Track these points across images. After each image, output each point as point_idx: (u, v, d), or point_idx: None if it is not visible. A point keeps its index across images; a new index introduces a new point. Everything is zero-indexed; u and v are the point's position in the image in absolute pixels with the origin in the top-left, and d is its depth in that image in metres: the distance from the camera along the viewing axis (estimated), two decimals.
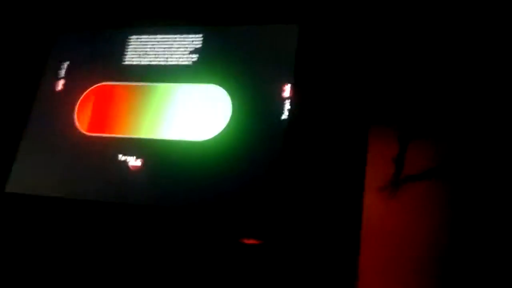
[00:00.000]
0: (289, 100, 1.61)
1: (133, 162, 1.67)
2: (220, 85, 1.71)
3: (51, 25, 1.99)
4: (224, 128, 1.64)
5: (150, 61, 1.84)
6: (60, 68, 1.93)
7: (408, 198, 1.47)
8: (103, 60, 1.90)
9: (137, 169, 1.67)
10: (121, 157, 1.69)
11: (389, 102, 1.55)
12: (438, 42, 1.54)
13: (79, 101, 1.85)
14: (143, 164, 1.67)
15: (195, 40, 1.82)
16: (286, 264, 1.44)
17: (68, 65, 1.93)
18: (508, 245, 1.31)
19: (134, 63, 1.86)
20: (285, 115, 1.59)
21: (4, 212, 1.74)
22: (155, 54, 1.84)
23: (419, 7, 1.56)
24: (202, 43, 1.81)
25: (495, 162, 1.41)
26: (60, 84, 1.91)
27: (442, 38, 1.53)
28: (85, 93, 1.85)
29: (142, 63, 1.85)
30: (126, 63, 1.87)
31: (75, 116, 1.82)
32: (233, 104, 1.67)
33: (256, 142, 1.58)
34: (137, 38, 1.89)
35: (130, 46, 1.88)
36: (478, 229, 1.35)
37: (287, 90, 1.62)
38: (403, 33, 1.57)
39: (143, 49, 1.86)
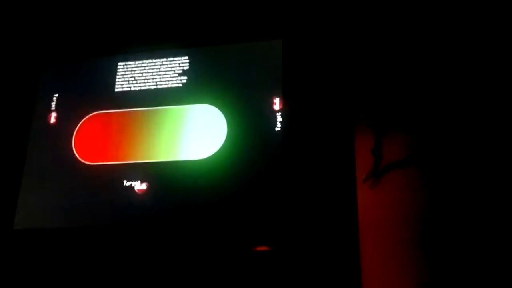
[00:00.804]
0: (280, 113, 1.72)
1: (139, 186, 1.75)
2: (213, 104, 1.81)
3: (36, 58, 2.01)
4: (223, 145, 1.74)
5: (140, 86, 1.91)
6: (50, 101, 1.97)
7: (391, 185, 1.61)
8: (93, 89, 1.96)
9: (143, 192, 1.75)
10: (126, 183, 1.77)
11: (369, 100, 1.67)
12: (412, 41, 1.67)
13: (75, 132, 1.90)
14: (148, 187, 1.75)
15: (182, 62, 1.90)
16: (294, 264, 1.57)
17: (58, 97, 1.97)
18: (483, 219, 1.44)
19: (125, 89, 1.92)
20: (278, 127, 1.71)
21: (14, 248, 1.78)
22: (144, 79, 1.92)
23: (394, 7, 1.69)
24: (189, 65, 1.89)
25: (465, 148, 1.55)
26: (52, 117, 1.95)
27: (416, 35, 1.66)
28: (80, 123, 1.90)
29: (133, 89, 1.92)
30: (117, 90, 1.93)
31: (73, 147, 1.87)
32: (227, 121, 1.77)
33: (255, 154, 1.70)
34: (124, 65, 1.96)
35: (118, 73, 1.95)
36: (455, 206, 1.47)
37: (277, 103, 1.74)
38: (380, 34, 1.69)
39: (131, 75, 1.93)
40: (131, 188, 1.76)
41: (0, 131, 1.96)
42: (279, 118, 1.72)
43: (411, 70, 1.65)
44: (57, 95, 1.99)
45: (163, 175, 1.75)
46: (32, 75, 2.02)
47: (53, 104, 1.98)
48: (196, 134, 1.79)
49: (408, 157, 1.59)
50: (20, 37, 2.05)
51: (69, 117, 1.93)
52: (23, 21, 2.03)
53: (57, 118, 1.95)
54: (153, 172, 1.76)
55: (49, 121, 1.95)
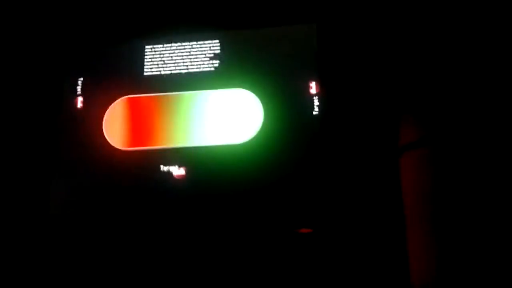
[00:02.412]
0: (317, 96, 1.74)
1: (177, 171, 1.76)
2: (247, 88, 1.81)
3: (64, 42, 1.96)
4: (260, 129, 1.75)
5: (171, 70, 1.89)
6: (77, 85, 1.93)
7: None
8: (121, 73, 1.92)
9: (182, 178, 1.75)
10: (163, 168, 1.77)
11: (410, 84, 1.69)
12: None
13: (104, 117, 1.87)
14: (187, 172, 1.75)
15: (213, 45, 1.89)
16: (337, 245, 1.62)
17: (84, 81, 1.93)
18: None
19: (154, 73, 1.90)
20: (315, 111, 1.73)
21: (51, 233, 1.77)
22: (175, 63, 1.90)
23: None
24: (220, 48, 1.88)
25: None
26: (79, 101, 1.91)
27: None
28: (109, 108, 1.87)
29: (163, 72, 1.89)
30: (146, 74, 1.90)
31: (104, 132, 1.85)
32: (263, 105, 1.78)
33: (293, 138, 1.72)
34: (153, 48, 1.93)
35: (147, 57, 1.92)
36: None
37: (313, 87, 1.76)
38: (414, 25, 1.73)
39: (160, 59, 1.91)
40: (168, 173, 1.76)
41: (28, 118, 1.90)
42: (316, 102, 1.74)
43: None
44: (82, 79, 1.93)
45: (201, 160, 1.76)
46: (57, 59, 1.96)
47: (79, 89, 1.93)
48: (231, 118, 1.79)
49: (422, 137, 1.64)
50: (44, 22, 1.98)
51: (97, 102, 1.90)
52: (46, 5, 1.95)
53: (83, 102, 1.91)
54: (190, 156, 1.77)
55: (77, 106, 1.90)
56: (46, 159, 1.84)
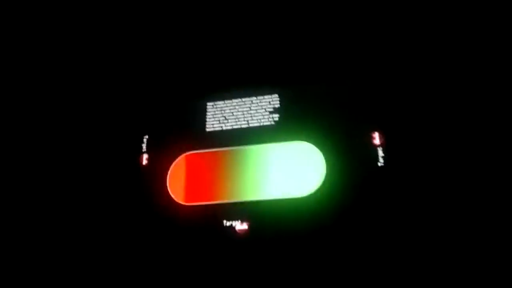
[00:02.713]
0: (381, 147, 1.71)
1: (239, 226, 1.75)
2: (308, 140, 1.81)
3: (130, 101, 2.07)
4: (323, 182, 1.73)
5: (232, 126, 1.93)
6: (141, 142, 2.00)
7: None
8: (184, 130, 1.98)
9: (244, 233, 1.74)
10: (226, 223, 1.76)
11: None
12: None
13: (169, 173, 1.92)
14: (249, 226, 1.74)
15: (272, 100, 1.92)
16: None
17: (149, 139, 2.01)
18: None
19: (216, 129, 1.95)
20: (380, 162, 1.69)
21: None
22: (235, 118, 1.94)
23: None
24: (280, 103, 1.91)
25: None
26: (144, 158, 1.98)
27: None
28: (173, 163, 1.92)
29: (224, 128, 1.94)
30: (208, 130, 1.95)
31: (168, 188, 1.89)
32: (325, 157, 1.76)
33: (357, 191, 1.68)
34: (214, 105, 1.99)
35: (208, 113, 1.98)
36: None
37: (377, 138, 1.73)
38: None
39: (222, 115, 1.96)
40: (231, 228, 1.75)
41: (95, 174, 1.99)
42: (381, 153, 1.71)
43: None
44: (147, 136, 2.01)
45: (264, 214, 1.75)
46: (123, 118, 2.07)
47: (144, 146, 2.00)
48: (294, 171, 1.78)
49: None
50: (110, 82, 2.11)
51: (161, 158, 1.96)
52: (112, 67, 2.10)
53: (148, 159, 1.98)
54: (253, 211, 1.76)
55: (142, 163, 1.97)
56: (112, 215, 1.88)
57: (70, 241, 1.87)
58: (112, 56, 2.08)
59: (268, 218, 1.73)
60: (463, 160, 1.63)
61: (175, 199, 1.86)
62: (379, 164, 1.69)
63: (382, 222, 1.62)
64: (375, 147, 1.72)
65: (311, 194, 1.72)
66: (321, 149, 1.78)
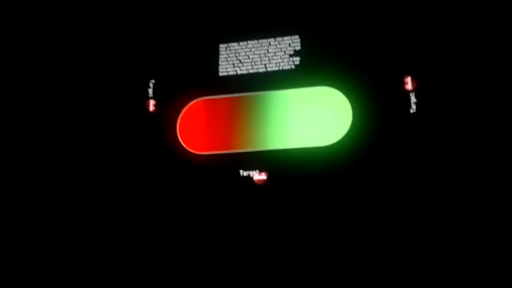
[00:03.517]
0: (413, 93, 1.57)
1: (257, 176, 1.62)
2: (332, 85, 1.66)
3: (134, 42, 1.88)
4: (349, 130, 1.60)
5: (248, 70, 1.77)
6: (148, 87, 1.84)
7: None
8: (194, 74, 1.82)
9: (263, 183, 1.61)
10: (243, 173, 1.64)
11: None
12: None
13: (179, 120, 1.77)
14: (269, 176, 1.61)
15: (293, 42, 1.76)
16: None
17: (155, 83, 1.84)
18: None
19: (230, 73, 1.78)
20: (413, 109, 1.55)
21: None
22: (252, 62, 1.78)
23: None
24: (301, 44, 1.75)
25: None
26: (151, 105, 1.82)
27: None
28: (183, 110, 1.77)
29: (239, 72, 1.78)
30: (221, 74, 1.79)
31: (179, 136, 1.75)
32: (351, 103, 1.62)
33: (387, 139, 1.55)
34: (227, 47, 1.82)
35: (221, 56, 1.81)
36: None
37: (409, 82, 1.58)
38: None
39: (236, 58, 1.79)
40: (249, 178, 1.63)
41: (98, 122, 1.83)
42: (413, 99, 1.57)
43: None
44: (153, 81, 1.85)
45: (283, 164, 1.62)
46: (126, 60, 1.89)
47: (150, 91, 1.84)
48: (317, 118, 1.64)
49: None
50: (110, 22, 1.92)
51: (170, 105, 1.80)
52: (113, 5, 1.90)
53: (156, 105, 1.82)
54: (272, 160, 1.63)
55: (149, 109, 1.81)
56: (117, 167, 1.73)
57: (81, 193, 1.73)
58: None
59: (289, 168, 1.60)
60: (498, 109, 1.50)
61: (187, 148, 1.72)
62: (411, 111, 1.55)
63: (411, 175, 1.50)
64: (406, 92, 1.57)
65: (335, 143, 1.59)
66: (347, 95, 1.64)
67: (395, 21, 1.66)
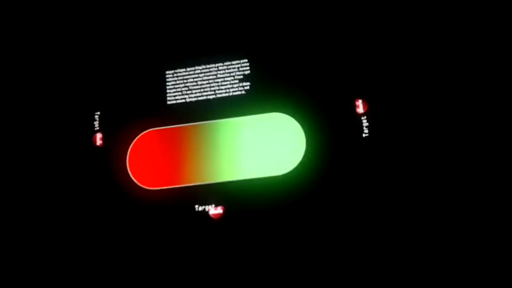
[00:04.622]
0: (365, 116, 1.56)
1: (213, 210, 1.57)
2: (284, 111, 1.63)
3: (76, 72, 1.77)
4: (303, 157, 1.57)
5: (197, 97, 1.71)
6: (93, 119, 1.75)
7: None
8: (141, 104, 1.74)
9: (220, 217, 1.57)
10: (198, 207, 1.58)
11: None
12: None
13: (128, 153, 1.69)
14: (224, 210, 1.57)
15: (242, 66, 1.71)
16: None
17: (101, 115, 1.75)
18: None
19: (179, 101, 1.72)
20: (365, 132, 1.54)
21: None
22: (200, 89, 1.72)
23: None
24: (250, 69, 1.70)
25: None
26: (97, 138, 1.73)
27: None
28: (132, 143, 1.69)
29: (188, 100, 1.71)
30: (170, 102, 1.72)
31: (129, 171, 1.67)
32: (304, 129, 1.60)
33: (342, 164, 1.53)
34: (174, 74, 1.75)
35: (169, 84, 1.74)
36: None
37: (360, 106, 1.57)
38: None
39: (184, 85, 1.73)
40: (204, 213, 1.58)
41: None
42: (365, 123, 1.55)
43: None
44: (99, 113, 1.75)
45: (239, 195, 1.58)
46: (70, 92, 1.78)
47: (97, 124, 1.75)
48: (270, 146, 1.60)
49: None
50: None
51: (118, 138, 1.71)
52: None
53: (103, 139, 1.73)
54: (227, 193, 1.58)
55: (95, 143, 1.72)
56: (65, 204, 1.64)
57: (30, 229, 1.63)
58: (56, 19, 1.75)
59: (245, 200, 1.56)
60: (448, 125, 1.51)
61: (138, 183, 1.64)
62: (364, 135, 1.54)
63: (367, 198, 1.49)
64: (358, 115, 1.56)
65: (290, 171, 1.56)
66: (299, 120, 1.60)
67: (345, 45, 1.63)
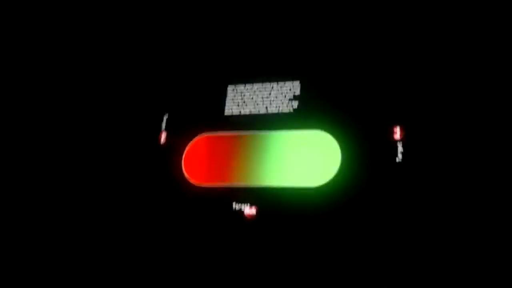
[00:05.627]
0: (401, 142, 1.63)
1: (248, 210, 1.73)
2: (325, 130, 1.76)
3: (153, 79, 2.09)
4: (336, 173, 1.68)
5: (250, 110, 1.91)
6: (161, 121, 2.02)
7: None
8: (202, 111, 1.98)
9: (252, 217, 1.72)
10: (235, 206, 1.75)
11: None
12: None
13: (185, 152, 1.92)
14: (258, 211, 1.72)
15: (293, 87, 1.88)
16: None
17: (169, 117, 2.02)
18: None
19: (234, 113, 1.93)
20: (399, 158, 1.62)
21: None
22: (254, 103, 1.91)
23: None
24: (301, 90, 1.87)
25: None
26: (162, 137, 1.99)
27: None
28: (190, 143, 1.93)
29: (242, 112, 1.92)
30: (227, 113, 1.94)
31: (183, 167, 1.90)
32: (341, 148, 1.71)
33: (372, 185, 1.61)
34: (235, 88, 1.97)
35: (228, 97, 1.96)
36: None
37: (397, 132, 1.65)
38: None
39: (241, 99, 1.94)
40: (240, 211, 1.74)
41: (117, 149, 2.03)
42: (400, 149, 1.63)
43: None
44: (167, 115, 2.03)
45: (273, 200, 1.72)
46: (145, 95, 2.09)
47: (164, 124, 2.02)
48: (308, 160, 1.74)
49: None
50: (136, 61, 2.14)
51: (178, 138, 1.96)
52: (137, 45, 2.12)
53: (167, 138, 1.99)
54: (262, 196, 1.73)
55: (160, 141, 1.98)
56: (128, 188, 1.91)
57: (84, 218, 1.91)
58: (137, 37, 2.10)
59: (277, 205, 1.70)
60: (487, 164, 1.53)
61: (189, 179, 1.86)
62: (397, 160, 1.62)
63: (392, 220, 1.55)
64: (394, 141, 1.64)
65: (322, 185, 1.67)
66: (338, 140, 1.73)
67: (390, 71, 1.75)
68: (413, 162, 1.60)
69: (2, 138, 2.04)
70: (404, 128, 1.65)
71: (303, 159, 1.75)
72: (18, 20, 2.10)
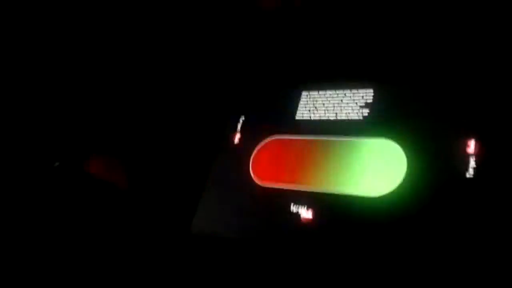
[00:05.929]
0: (474, 157, 1.49)
1: (305, 214, 1.72)
2: (393, 140, 1.68)
3: (231, 83, 2.22)
4: (400, 184, 1.59)
5: (320, 116, 1.91)
6: (237, 122, 2.13)
7: None
8: (276, 114, 2.04)
9: (308, 221, 1.70)
10: (293, 208, 1.76)
11: None
12: None
13: (254, 153, 1.99)
14: (314, 216, 1.70)
15: (366, 95, 1.84)
16: None
17: (244, 120, 2.11)
18: None
19: (305, 118, 1.95)
20: (470, 173, 1.48)
21: (189, 251, 1.93)
22: (325, 110, 1.91)
23: None
24: (373, 98, 1.82)
25: None
26: (236, 138, 2.09)
27: None
28: (259, 145, 1.99)
29: (313, 118, 1.93)
30: (297, 118, 1.97)
31: (250, 166, 1.97)
32: (408, 159, 1.62)
33: (439, 198, 1.49)
34: (308, 94, 1.99)
35: (301, 102, 1.99)
36: None
37: (472, 146, 1.51)
38: None
39: (313, 105, 1.95)
40: (297, 214, 1.74)
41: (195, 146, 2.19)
42: (472, 163, 1.49)
43: None
44: (243, 117, 2.13)
45: (331, 207, 1.69)
46: (222, 98, 2.23)
47: (239, 126, 2.12)
48: (371, 169, 1.68)
49: None
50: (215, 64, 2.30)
51: (251, 139, 2.05)
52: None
53: (240, 139, 2.09)
54: (320, 202, 1.72)
55: (234, 141, 2.09)
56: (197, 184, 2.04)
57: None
58: (221, 42, 2.26)
59: (335, 212, 1.67)
60: None
61: (253, 178, 1.93)
62: (468, 175, 1.48)
63: (453, 238, 1.42)
64: (467, 155, 1.51)
65: (383, 195, 1.60)
66: (405, 150, 1.64)
67: (468, 83, 1.62)
68: (486, 179, 1.44)
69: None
70: (480, 142, 1.50)
71: (367, 168, 1.69)
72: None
